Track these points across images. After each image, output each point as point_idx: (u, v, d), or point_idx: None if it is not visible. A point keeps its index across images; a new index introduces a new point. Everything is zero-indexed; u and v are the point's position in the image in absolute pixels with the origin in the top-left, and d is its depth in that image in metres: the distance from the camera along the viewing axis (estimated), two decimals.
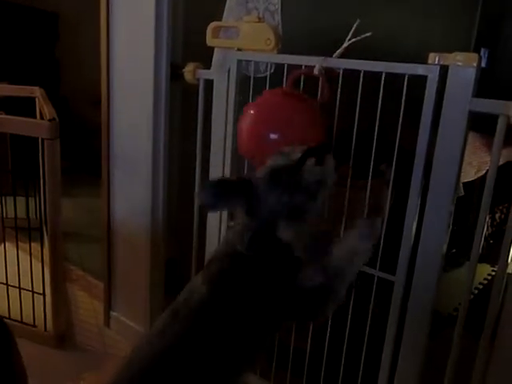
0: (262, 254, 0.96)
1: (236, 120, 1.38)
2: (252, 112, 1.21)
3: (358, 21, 1.11)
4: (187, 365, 0.95)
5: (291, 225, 0.96)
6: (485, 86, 1.08)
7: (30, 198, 2.02)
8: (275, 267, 0.97)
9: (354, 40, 1.12)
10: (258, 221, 0.96)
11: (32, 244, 1.91)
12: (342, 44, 1.15)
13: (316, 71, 1.18)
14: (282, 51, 1.30)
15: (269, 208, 0.95)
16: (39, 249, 1.87)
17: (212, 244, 1.58)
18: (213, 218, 1.57)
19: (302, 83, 1.27)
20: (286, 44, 1.31)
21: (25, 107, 2.35)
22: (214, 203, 0.95)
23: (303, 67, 1.23)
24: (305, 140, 1.02)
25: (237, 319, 0.97)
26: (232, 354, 0.98)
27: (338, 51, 1.16)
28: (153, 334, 0.99)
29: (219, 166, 1.50)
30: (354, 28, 1.11)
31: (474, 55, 1.02)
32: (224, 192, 0.94)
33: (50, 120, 1.68)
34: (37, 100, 2.49)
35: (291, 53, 1.27)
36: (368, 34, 1.09)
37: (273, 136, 1.15)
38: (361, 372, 1.35)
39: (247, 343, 1.00)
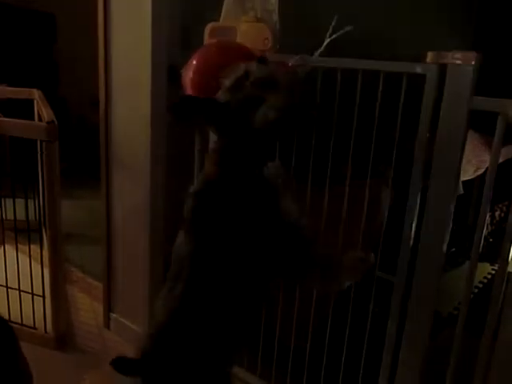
0: (234, 172, 1.01)
1: None
2: (194, 62, 1.25)
3: (335, 17, 1.12)
4: (196, 315, 1.03)
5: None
6: (483, 84, 1.08)
7: (29, 200, 2.01)
8: (251, 191, 1.02)
9: (334, 36, 1.13)
10: (226, 135, 1.01)
11: (31, 246, 1.91)
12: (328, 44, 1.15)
13: (292, 62, 1.20)
14: (279, 51, 1.30)
15: (234, 116, 0.99)
16: (39, 251, 1.87)
17: None
18: None
19: None
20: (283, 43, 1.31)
21: (23, 109, 2.35)
22: (184, 116, 1.01)
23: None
24: None
25: (225, 258, 1.02)
26: (234, 298, 1.04)
27: (319, 49, 1.17)
28: (163, 296, 1.09)
29: None
30: (332, 24, 1.12)
31: (472, 54, 1.01)
32: (193, 107, 1.00)
33: (48, 122, 1.68)
34: (35, 102, 2.49)
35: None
36: (349, 28, 1.10)
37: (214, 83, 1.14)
38: (361, 372, 1.35)
39: (246, 283, 1.05)
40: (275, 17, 1.32)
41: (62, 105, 3.82)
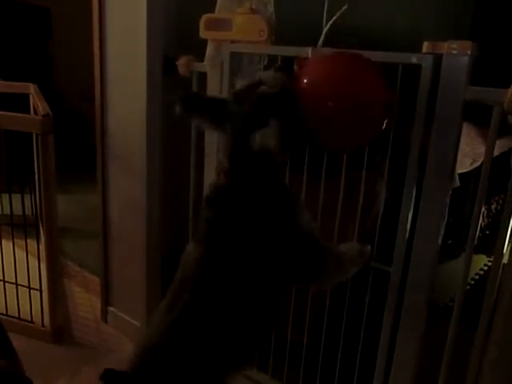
0: (245, 176, 0.97)
1: None
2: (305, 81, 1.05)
3: (345, 7, 1.11)
4: (199, 329, 0.97)
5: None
6: (478, 74, 1.07)
7: (25, 195, 2.01)
8: (266, 199, 0.98)
9: (331, 22, 1.11)
10: (234, 136, 0.97)
11: (28, 240, 1.90)
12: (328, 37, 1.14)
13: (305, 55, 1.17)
14: (275, 42, 1.30)
15: (238, 123, 0.96)
16: (35, 245, 1.87)
17: None
18: None
19: None
20: (279, 35, 1.30)
21: (18, 104, 2.34)
22: (191, 111, 0.99)
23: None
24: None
25: (238, 270, 0.97)
26: (242, 311, 0.99)
27: (321, 38, 1.16)
28: (164, 306, 1.01)
29: (214, 160, 1.50)
30: (337, 15, 1.10)
31: (469, 43, 1.01)
32: (202, 104, 0.98)
33: (43, 115, 1.67)
34: (31, 96, 2.48)
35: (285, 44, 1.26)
36: (344, 8, 1.08)
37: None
38: (358, 363, 1.36)
39: (255, 297, 1.00)
40: (271, 8, 1.32)
41: (57, 99, 3.80)
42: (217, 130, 1.01)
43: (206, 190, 1.02)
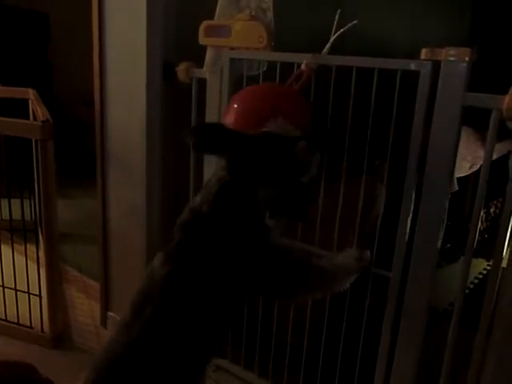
0: (229, 211, 0.98)
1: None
2: (235, 106, 1.19)
3: (338, 11, 1.12)
4: (160, 346, 0.97)
5: (270, 193, 0.98)
6: (477, 80, 1.08)
7: (24, 200, 2.01)
8: (242, 227, 0.99)
9: (340, 32, 1.12)
10: (237, 176, 0.97)
11: (28, 245, 1.90)
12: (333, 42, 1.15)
13: (303, 67, 1.19)
14: (275, 49, 1.30)
15: (253, 168, 0.97)
16: (35, 250, 1.87)
17: None
18: None
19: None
20: (278, 42, 1.31)
21: (18, 109, 2.34)
22: (202, 146, 0.98)
23: (295, 65, 1.24)
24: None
25: (204, 288, 0.98)
26: (204, 326, 1.00)
27: (326, 47, 1.16)
28: (124, 320, 1.02)
29: (213, 165, 1.50)
30: (336, 20, 1.11)
31: (467, 50, 1.02)
32: (212, 138, 0.96)
33: (43, 121, 1.67)
34: (30, 102, 2.48)
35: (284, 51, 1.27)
36: (354, 22, 1.09)
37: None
38: (358, 368, 1.36)
39: (220, 310, 1.01)
40: (270, 15, 1.33)
41: (56, 104, 3.81)
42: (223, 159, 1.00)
43: (184, 214, 1.02)
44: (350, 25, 1.11)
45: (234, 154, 0.97)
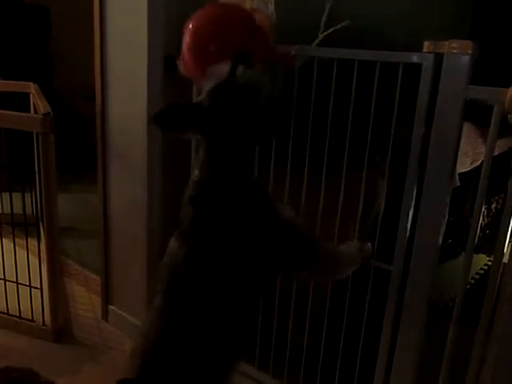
0: (226, 171, 1.00)
1: None
2: (190, 26, 1.17)
3: (346, 22, 1.11)
4: (191, 331, 0.99)
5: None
6: (480, 73, 1.08)
7: (26, 194, 2.01)
8: (246, 195, 1.01)
9: (330, 31, 1.12)
10: (216, 143, 0.99)
11: (29, 239, 1.91)
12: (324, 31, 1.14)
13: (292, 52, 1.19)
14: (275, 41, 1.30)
15: (222, 125, 0.98)
16: (36, 244, 1.87)
17: None
18: None
19: None
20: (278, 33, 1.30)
21: (19, 103, 2.34)
22: (167, 126, 1.00)
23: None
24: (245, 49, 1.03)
25: (225, 264, 0.99)
26: (231, 307, 1.01)
27: (314, 43, 1.15)
28: (156, 306, 1.03)
29: None
30: (326, 11, 1.10)
31: (469, 43, 1.01)
32: (176, 116, 0.98)
33: (44, 114, 1.67)
34: (31, 95, 2.48)
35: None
36: (346, 23, 1.08)
37: (212, 48, 1.12)
38: (358, 362, 1.36)
39: (244, 288, 1.02)
40: (271, 7, 1.32)
41: (57, 98, 3.80)
42: (196, 135, 1.01)
43: (189, 189, 1.04)
44: (340, 25, 1.10)
45: (200, 125, 0.98)
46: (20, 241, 1.92)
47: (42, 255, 1.85)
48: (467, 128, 1.87)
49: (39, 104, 1.97)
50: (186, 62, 1.19)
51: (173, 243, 1.03)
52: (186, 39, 1.17)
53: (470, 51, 1.01)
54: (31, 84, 2.49)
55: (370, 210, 1.58)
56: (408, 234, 1.21)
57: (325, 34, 1.16)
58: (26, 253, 1.88)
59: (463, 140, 1.12)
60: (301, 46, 1.20)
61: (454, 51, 1.02)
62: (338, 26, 1.12)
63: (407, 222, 1.19)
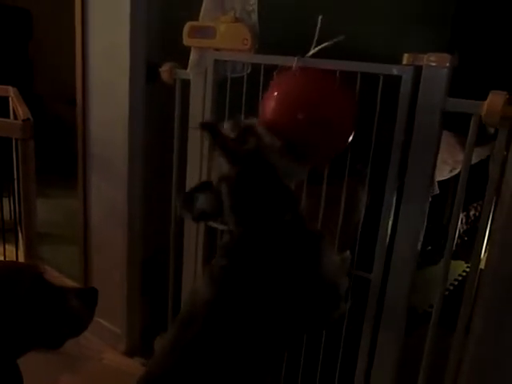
0: (262, 224, 0.99)
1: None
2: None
3: (320, 17, 1.12)
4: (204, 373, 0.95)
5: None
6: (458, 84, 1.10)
7: (4, 200, 1.98)
8: (287, 242, 0.99)
9: (326, 44, 1.12)
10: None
11: (6, 245, 1.88)
12: (316, 45, 1.14)
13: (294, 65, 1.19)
14: (258, 51, 1.31)
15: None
16: (14, 250, 1.84)
17: (189, 244, 1.57)
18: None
19: None
20: (262, 44, 1.31)
21: None
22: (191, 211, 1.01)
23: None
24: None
25: (251, 316, 0.96)
26: (246, 361, 0.97)
27: (309, 53, 1.16)
28: (165, 346, 1.00)
29: (196, 167, 1.50)
30: (318, 25, 1.11)
31: (447, 56, 1.04)
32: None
33: (23, 120, 1.65)
34: (10, 100, 2.44)
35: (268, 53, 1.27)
36: (341, 38, 1.09)
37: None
38: (338, 369, 1.37)
39: (264, 342, 0.98)
40: (254, 17, 1.33)
41: (37, 102, 3.75)
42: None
43: (225, 237, 1.03)
44: (333, 41, 1.11)
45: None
46: None
47: (19, 261, 1.82)
48: (446, 136, 1.90)
49: (19, 109, 1.95)
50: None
51: (200, 282, 1.02)
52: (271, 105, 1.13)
53: (447, 64, 1.03)
54: (10, 88, 2.46)
55: (350, 218, 1.59)
56: (388, 241, 1.22)
57: (317, 48, 1.16)
58: (3, 259, 1.85)
59: (442, 148, 1.14)
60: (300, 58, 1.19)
61: (433, 64, 1.04)
62: (331, 42, 1.13)
63: (387, 230, 1.21)
